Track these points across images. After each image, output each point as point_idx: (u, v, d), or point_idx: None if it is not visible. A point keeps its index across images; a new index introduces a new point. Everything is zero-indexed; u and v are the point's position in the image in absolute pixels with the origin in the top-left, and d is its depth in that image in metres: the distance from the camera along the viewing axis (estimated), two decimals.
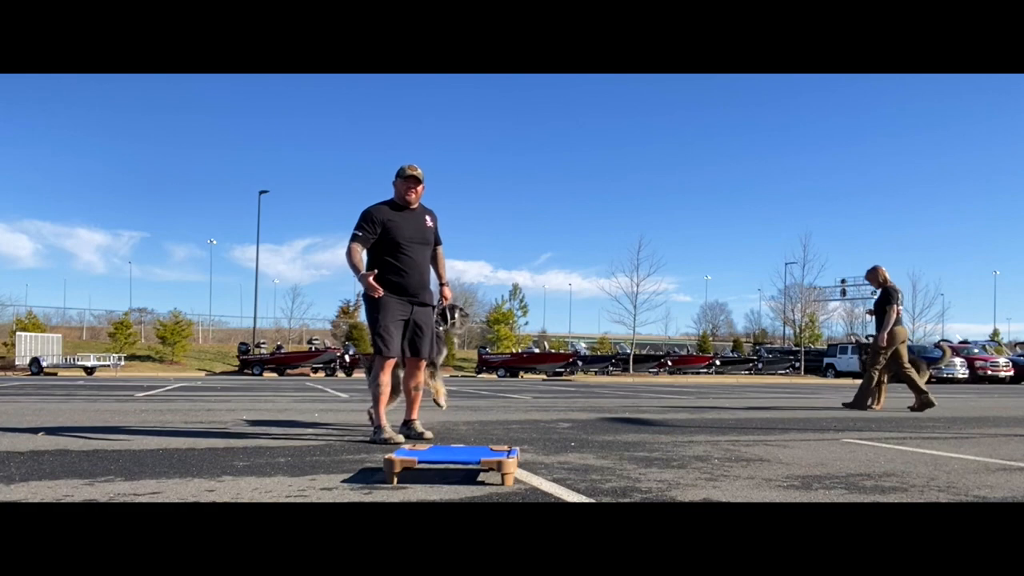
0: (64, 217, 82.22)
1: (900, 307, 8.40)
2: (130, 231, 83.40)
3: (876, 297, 8.70)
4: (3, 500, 2.58)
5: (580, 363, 29.25)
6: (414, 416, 4.76)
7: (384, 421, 4.52)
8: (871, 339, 8.86)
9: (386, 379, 4.54)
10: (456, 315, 5.29)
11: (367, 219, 4.53)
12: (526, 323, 45.09)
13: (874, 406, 8.51)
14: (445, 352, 5.31)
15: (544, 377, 27.41)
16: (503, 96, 72.04)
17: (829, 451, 4.38)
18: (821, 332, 41.75)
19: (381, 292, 4.42)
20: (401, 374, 4.84)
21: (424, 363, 4.74)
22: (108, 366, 24.99)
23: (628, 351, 33.29)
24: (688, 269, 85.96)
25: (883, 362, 8.36)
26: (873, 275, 8.68)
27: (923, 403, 8.11)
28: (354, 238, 4.52)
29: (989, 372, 29.15)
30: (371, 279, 4.36)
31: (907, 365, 8.35)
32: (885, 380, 8.59)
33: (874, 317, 8.66)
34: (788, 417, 7.30)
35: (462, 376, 27.64)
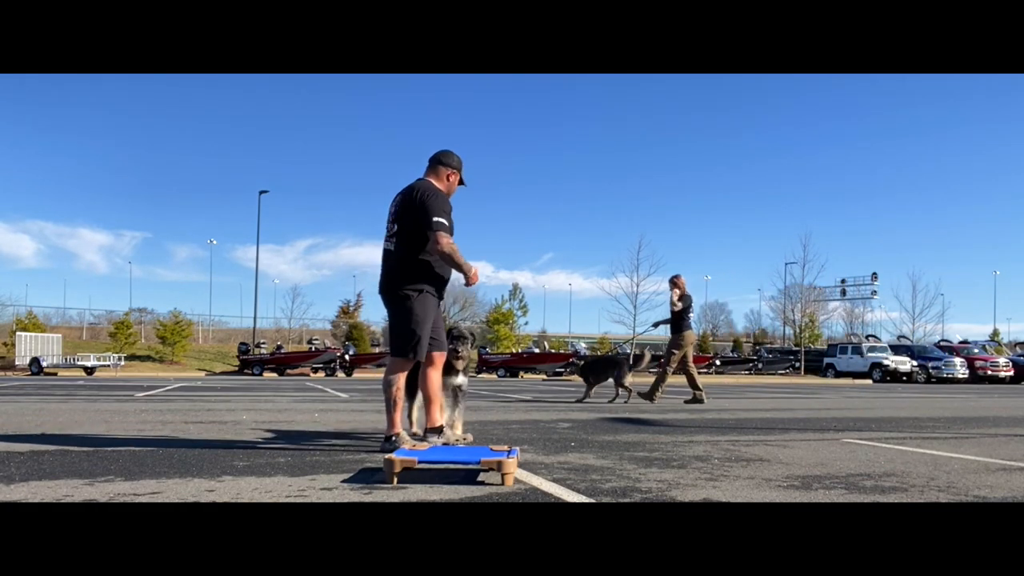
0: (67, 217, 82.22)
1: (691, 313, 9.96)
2: (132, 231, 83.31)
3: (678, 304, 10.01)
4: (3, 500, 2.58)
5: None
6: (444, 421, 4.19)
7: (400, 428, 4.07)
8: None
9: (403, 382, 4.13)
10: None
11: (447, 204, 4.06)
12: (526, 323, 45.03)
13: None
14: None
15: (544, 377, 27.39)
16: (503, 96, 72.07)
17: (829, 451, 4.38)
18: (821, 332, 41.70)
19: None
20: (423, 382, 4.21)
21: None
22: (108, 366, 24.97)
23: (628, 351, 33.28)
24: (688, 269, 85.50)
25: (677, 359, 9.64)
26: (674, 283, 10.06)
27: (696, 399, 9.44)
28: (446, 229, 3.97)
29: (989, 372, 29.14)
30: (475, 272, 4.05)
31: (691, 364, 9.74)
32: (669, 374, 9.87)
33: (671, 320, 9.95)
34: (788, 417, 7.30)
35: None
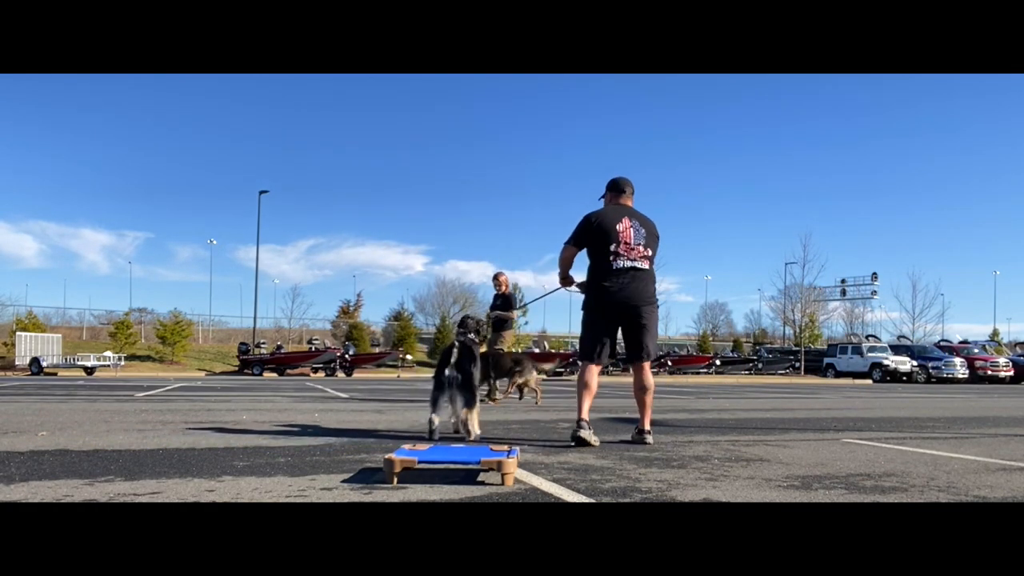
0: (70, 218, 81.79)
1: (515, 311, 10.33)
2: (135, 231, 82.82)
3: (498, 302, 10.16)
4: (3, 500, 2.58)
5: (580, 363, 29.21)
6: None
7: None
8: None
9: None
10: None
11: None
12: (526, 323, 45.03)
13: (490, 401, 9.25)
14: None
15: (544, 377, 27.39)
16: (503, 96, 72.02)
17: (829, 451, 4.38)
18: (821, 332, 41.67)
19: None
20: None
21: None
22: (108, 366, 24.96)
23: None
24: (688, 269, 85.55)
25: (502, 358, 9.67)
26: (496, 281, 10.33)
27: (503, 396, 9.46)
28: None
29: (989, 372, 29.15)
30: None
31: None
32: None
33: (495, 318, 10.06)
34: (788, 417, 7.31)
35: None
